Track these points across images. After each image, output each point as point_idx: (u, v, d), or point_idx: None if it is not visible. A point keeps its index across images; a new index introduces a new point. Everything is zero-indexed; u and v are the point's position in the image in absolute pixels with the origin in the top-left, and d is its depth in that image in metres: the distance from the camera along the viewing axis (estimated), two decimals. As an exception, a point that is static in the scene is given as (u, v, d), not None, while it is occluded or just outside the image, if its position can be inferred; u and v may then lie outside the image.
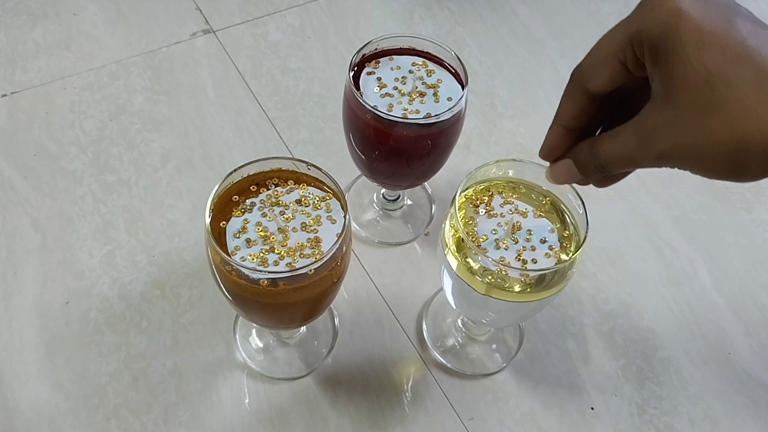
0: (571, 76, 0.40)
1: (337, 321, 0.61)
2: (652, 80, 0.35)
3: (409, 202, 0.69)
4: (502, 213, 0.50)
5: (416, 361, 0.59)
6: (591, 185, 0.42)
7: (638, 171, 0.72)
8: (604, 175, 0.39)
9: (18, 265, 0.61)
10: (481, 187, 0.51)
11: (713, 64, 0.33)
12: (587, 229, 0.47)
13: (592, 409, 0.58)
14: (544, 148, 0.42)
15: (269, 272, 0.44)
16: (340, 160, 0.70)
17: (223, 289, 0.48)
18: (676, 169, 0.36)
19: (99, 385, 0.56)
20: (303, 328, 0.60)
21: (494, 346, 0.61)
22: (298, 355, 0.59)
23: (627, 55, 0.36)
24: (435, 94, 0.54)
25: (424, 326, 0.61)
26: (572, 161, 0.40)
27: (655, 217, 0.69)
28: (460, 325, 0.61)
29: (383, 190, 0.67)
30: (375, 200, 0.68)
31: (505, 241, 0.48)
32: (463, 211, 0.49)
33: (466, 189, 0.50)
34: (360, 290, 0.63)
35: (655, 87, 0.35)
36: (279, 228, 0.46)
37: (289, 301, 0.46)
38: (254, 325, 0.59)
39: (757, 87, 0.32)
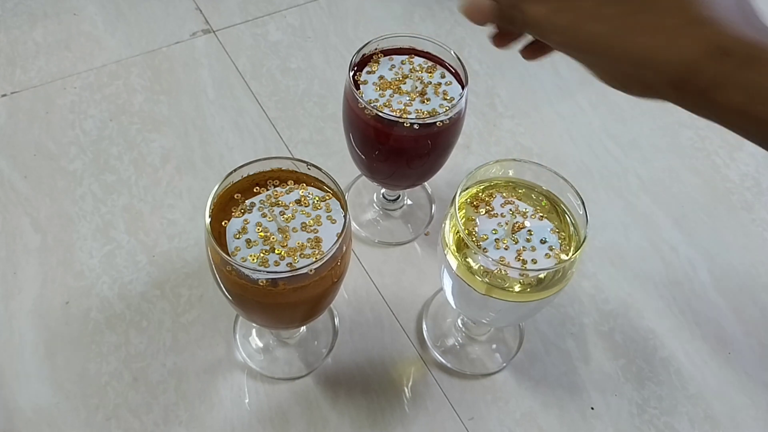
0: None
1: (337, 321, 0.61)
2: None
3: (409, 202, 0.69)
4: (502, 213, 0.50)
5: (416, 361, 0.59)
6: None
7: (638, 171, 0.73)
8: (514, 29, 0.38)
9: (18, 265, 0.61)
10: (482, 187, 0.51)
11: None
12: (587, 229, 0.47)
13: (592, 408, 0.58)
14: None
15: (269, 272, 0.44)
16: (340, 160, 0.70)
17: (223, 289, 0.48)
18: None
19: (99, 385, 0.56)
20: (303, 328, 0.60)
21: (494, 346, 0.61)
22: (298, 355, 0.59)
23: None
24: (435, 94, 0.54)
25: (424, 326, 0.61)
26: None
27: (655, 217, 0.69)
28: (460, 325, 0.61)
29: (383, 190, 0.67)
30: (375, 200, 0.68)
31: (505, 241, 0.48)
32: (464, 211, 0.49)
33: (467, 189, 0.50)
34: (360, 290, 0.63)
35: None
36: (279, 228, 0.46)
37: (289, 301, 0.46)
38: (254, 325, 0.59)
39: (679, 13, 0.32)
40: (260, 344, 0.59)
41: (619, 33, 0.33)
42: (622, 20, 0.33)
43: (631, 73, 0.33)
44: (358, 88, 0.54)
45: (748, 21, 0.33)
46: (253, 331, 0.60)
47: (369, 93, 0.54)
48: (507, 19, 0.38)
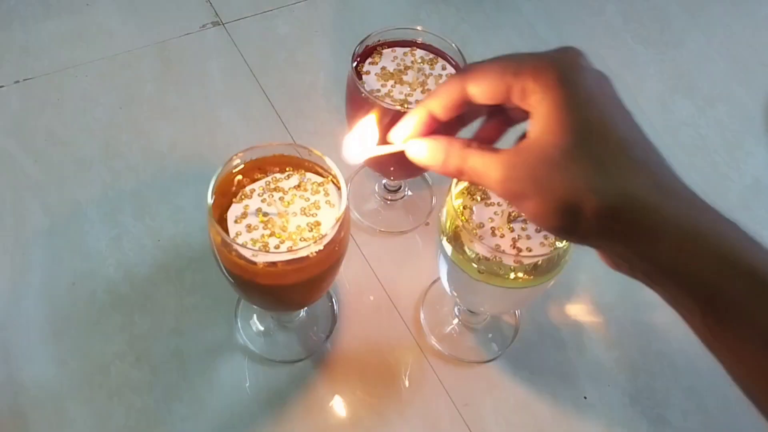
0: (462, 68, 0.40)
1: (336, 307, 0.62)
2: (531, 120, 0.35)
3: (410, 192, 0.70)
4: (498, 202, 0.50)
5: (413, 348, 0.60)
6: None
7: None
8: (460, 179, 0.39)
9: (27, 247, 0.63)
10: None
11: (596, 121, 0.34)
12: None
13: (585, 398, 0.59)
14: (402, 127, 0.40)
15: (270, 254, 0.45)
16: (343, 151, 0.71)
17: (225, 272, 0.49)
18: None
19: (103, 364, 0.57)
20: (302, 313, 0.61)
21: (490, 335, 0.62)
22: (297, 339, 0.60)
23: (518, 85, 0.36)
24: (436, 85, 0.55)
25: (422, 314, 0.62)
26: (443, 149, 0.38)
27: (654, 213, 0.70)
28: (457, 314, 0.62)
29: (385, 180, 0.68)
30: (376, 190, 0.69)
31: (501, 229, 0.49)
32: (461, 199, 0.50)
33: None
34: (360, 278, 0.64)
35: (532, 127, 0.35)
36: (279, 213, 0.47)
37: (288, 283, 0.47)
38: (255, 309, 0.61)
39: (623, 153, 0.33)
40: (261, 328, 0.60)
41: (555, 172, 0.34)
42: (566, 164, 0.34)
43: (574, 210, 0.34)
44: (360, 78, 0.55)
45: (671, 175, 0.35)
46: (254, 315, 0.61)
47: (371, 83, 0.55)
48: (453, 170, 0.39)
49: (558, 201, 0.34)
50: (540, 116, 0.35)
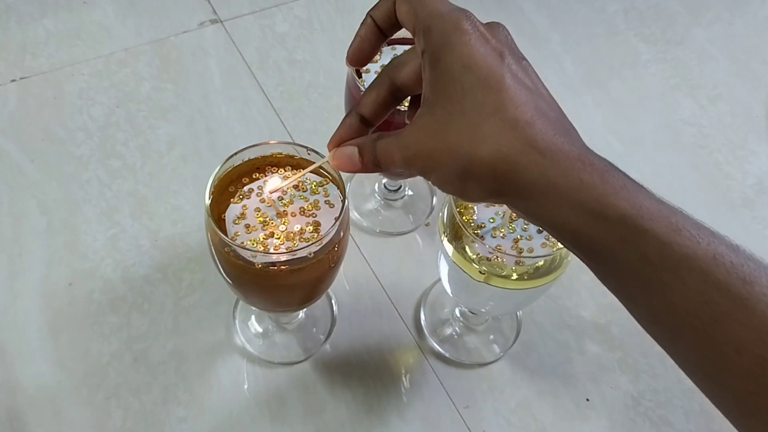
0: (385, 66, 0.40)
1: (335, 308, 0.61)
2: (424, 86, 0.37)
3: (410, 192, 0.69)
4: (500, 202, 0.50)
5: (413, 349, 0.60)
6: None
7: (640, 167, 0.73)
8: (381, 171, 0.40)
9: (24, 246, 0.62)
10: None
11: (469, 86, 0.34)
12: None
13: (587, 400, 0.58)
14: (335, 136, 0.41)
15: (268, 255, 0.44)
16: (343, 150, 0.70)
17: (223, 272, 0.48)
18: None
19: (100, 365, 0.57)
20: (302, 314, 0.60)
21: (491, 336, 0.61)
22: (296, 340, 0.60)
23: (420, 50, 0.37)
24: (436, 84, 0.55)
25: (422, 315, 0.61)
26: (357, 149, 0.40)
27: (656, 213, 0.70)
28: (458, 315, 0.61)
29: (385, 180, 0.68)
30: (376, 190, 0.69)
31: (502, 230, 0.48)
32: (461, 199, 0.50)
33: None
34: (359, 278, 0.63)
35: (424, 92, 0.36)
36: (277, 213, 0.47)
37: (287, 284, 0.47)
38: (254, 310, 0.60)
39: (496, 114, 0.34)
40: (259, 329, 0.60)
41: (443, 137, 0.35)
42: (444, 126, 0.35)
43: (460, 172, 0.35)
44: (360, 76, 0.55)
45: (568, 133, 0.35)
46: (253, 316, 0.60)
47: (371, 81, 0.54)
48: (371, 164, 0.40)
49: (449, 168, 0.35)
50: (425, 85, 0.36)
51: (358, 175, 0.70)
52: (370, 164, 0.39)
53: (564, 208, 0.33)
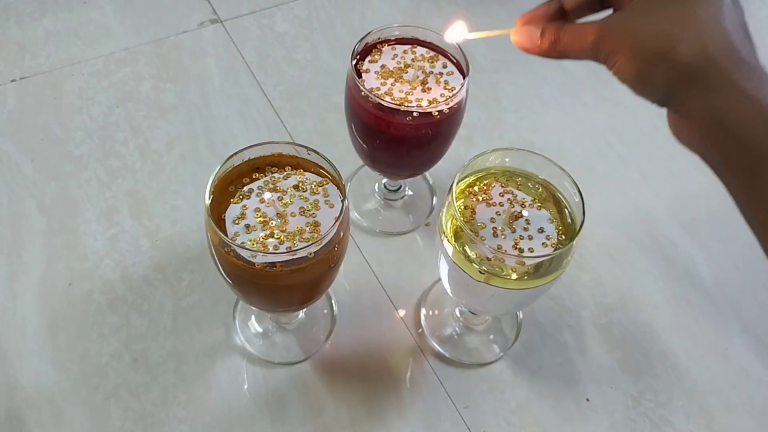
0: None
1: (335, 308, 0.61)
2: None
3: (411, 192, 0.69)
4: (500, 202, 0.50)
5: (413, 349, 0.60)
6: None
7: (640, 166, 0.73)
8: (554, 55, 0.43)
9: (23, 247, 0.62)
10: (480, 176, 0.51)
11: None
12: (584, 217, 0.47)
13: (588, 400, 0.58)
14: (527, 14, 0.44)
15: (268, 255, 0.44)
16: (342, 150, 0.70)
17: (222, 272, 0.48)
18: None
19: (99, 365, 0.57)
20: (301, 314, 0.60)
21: (491, 336, 0.61)
22: (296, 340, 0.59)
23: None
24: (436, 83, 0.55)
25: (422, 315, 0.61)
26: (540, 30, 0.42)
27: (656, 213, 0.70)
28: (458, 315, 0.61)
29: (385, 180, 0.68)
30: (377, 190, 0.69)
31: (502, 230, 0.48)
32: (462, 199, 0.50)
33: (464, 178, 0.51)
34: (359, 279, 0.63)
35: None
36: (278, 213, 0.47)
37: (287, 284, 0.46)
38: (253, 310, 0.60)
39: (707, 12, 0.37)
40: (259, 329, 0.60)
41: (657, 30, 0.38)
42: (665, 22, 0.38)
43: (657, 54, 0.38)
44: (360, 76, 0.55)
45: (755, 53, 0.39)
46: (252, 316, 0.60)
47: (371, 81, 0.55)
48: (550, 48, 0.43)
49: (648, 48, 0.38)
50: None
51: (358, 174, 0.70)
52: (547, 45, 0.42)
53: (745, 105, 0.36)
